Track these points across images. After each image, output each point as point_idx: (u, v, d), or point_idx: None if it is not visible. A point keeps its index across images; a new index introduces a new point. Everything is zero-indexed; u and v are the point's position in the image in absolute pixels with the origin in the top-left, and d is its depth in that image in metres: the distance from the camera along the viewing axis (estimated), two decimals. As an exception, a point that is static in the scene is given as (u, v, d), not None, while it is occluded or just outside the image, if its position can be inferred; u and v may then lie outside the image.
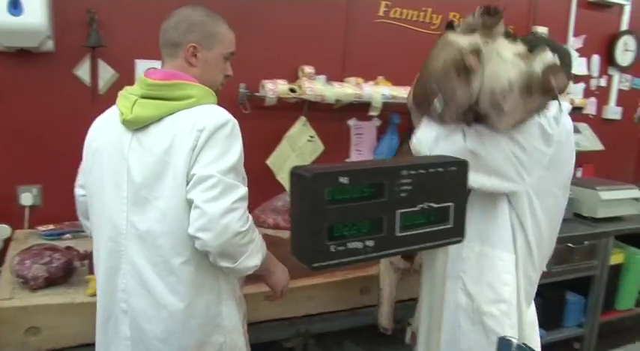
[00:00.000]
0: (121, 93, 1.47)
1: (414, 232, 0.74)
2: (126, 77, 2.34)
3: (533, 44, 1.40)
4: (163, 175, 1.34)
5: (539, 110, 1.35)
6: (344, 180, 0.66)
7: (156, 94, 1.38)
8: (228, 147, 1.33)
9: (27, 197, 2.28)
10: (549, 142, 1.47)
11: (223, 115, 1.37)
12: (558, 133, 1.47)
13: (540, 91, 1.25)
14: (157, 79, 1.39)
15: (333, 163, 0.70)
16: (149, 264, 1.38)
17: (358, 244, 0.69)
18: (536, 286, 1.74)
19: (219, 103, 1.46)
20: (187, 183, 1.31)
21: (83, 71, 2.29)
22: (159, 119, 1.37)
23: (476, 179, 1.36)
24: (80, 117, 2.29)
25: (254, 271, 1.39)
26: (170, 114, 1.36)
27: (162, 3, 2.33)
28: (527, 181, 1.48)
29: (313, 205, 0.64)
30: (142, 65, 2.34)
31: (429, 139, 1.46)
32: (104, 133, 1.50)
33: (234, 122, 1.38)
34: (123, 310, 1.43)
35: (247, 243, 1.33)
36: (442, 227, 0.77)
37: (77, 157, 2.32)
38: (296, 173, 0.65)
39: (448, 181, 0.76)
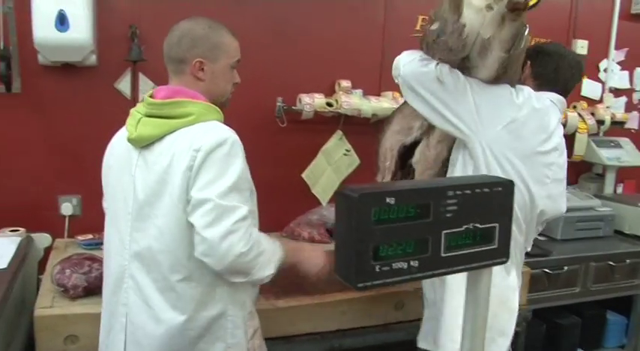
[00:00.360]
0: (131, 111, 1.49)
1: (459, 253, 0.73)
2: (165, 90, 2.38)
3: None
4: (162, 193, 1.34)
5: (514, 42, 1.53)
6: (391, 200, 0.65)
7: (157, 112, 1.39)
8: (226, 167, 1.32)
9: (67, 207, 2.34)
10: (513, 107, 1.63)
11: (222, 133, 1.35)
12: (523, 104, 1.65)
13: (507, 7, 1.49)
14: (160, 98, 1.40)
15: (377, 183, 0.70)
16: (150, 280, 1.38)
17: (403, 265, 0.68)
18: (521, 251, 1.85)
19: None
20: (186, 203, 1.31)
21: (124, 85, 2.35)
22: (161, 138, 1.37)
23: (436, 112, 1.62)
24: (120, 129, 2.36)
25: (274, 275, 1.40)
26: (171, 132, 1.36)
27: (200, 15, 2.39)
28: (481, 133, 1.61)
29: (359, 225, 0.64)
30: (181, 79, 2.38)
31: (407, 57, 1.70)
32: (116, 149, 1.53)
33: (233, 139, 1.35)
34: (122, 325, 1.43)
35: (254, 258, 1.32)
36: (487, 248, 0.75)
37: (117, 169, 2.38)
38: (342, 193, 0.65)
39: (494, 202, 0.75)
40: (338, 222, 0.67)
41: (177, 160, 1.32)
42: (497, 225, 0.75)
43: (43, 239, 2.27)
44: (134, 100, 2.36)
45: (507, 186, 0.75)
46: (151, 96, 1.44)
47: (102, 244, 2.21)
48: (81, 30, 2.11)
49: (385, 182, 0.68)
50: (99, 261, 1.85)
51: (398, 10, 2.77)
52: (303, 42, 2.59)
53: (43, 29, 2.07)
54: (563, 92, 1.88)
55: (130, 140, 1.42)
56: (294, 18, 2.56)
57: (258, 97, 2.45)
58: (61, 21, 2.09)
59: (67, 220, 2.35)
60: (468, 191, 0.71)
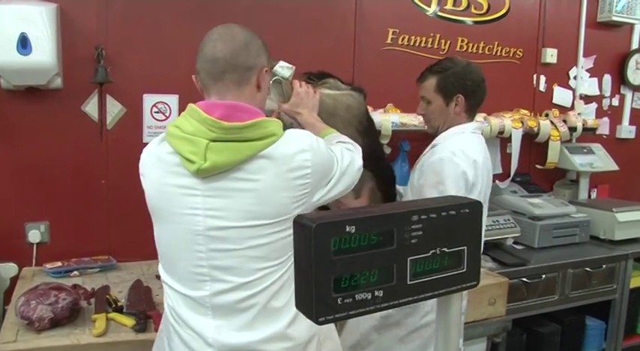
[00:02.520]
0: (174, 133, 1.26)
1: (426, 279, 0.70)
2: (134, 112, 2.35)
3: None
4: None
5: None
6: (351, 229, 0.62)
7: (233, 137, 1.22)
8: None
9: (35, 234, 2.27)
10: None
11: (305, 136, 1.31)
12: None
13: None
14: (219, 117, 1.22)
15: (338, 209, 0.67)
16: None
17: (367, 295, 0.65)
18: None
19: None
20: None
21: (91, 107, 2.30)
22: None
23: None
24: (88, 153, 2.32)
25: None
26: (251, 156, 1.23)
27: (168, 38, 2.36)
28: None
29: (318, 256, 0.61)
30: (149, 100, 2.35)
31: None
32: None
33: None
34: None
35: None
36: (456, 272, 0.73)
37: (84, 193, 2.34)
38: (299, 223, 0.62)
39: (461, 224, 0.72)
40: (296, 253, 0.64)
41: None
42: (465, 248, 0.72)
43: (8, 269, 2.20)
44: (101, 123, 2.31)
45: (474, 207, 0.73)
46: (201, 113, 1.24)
47: (71, 271, 2.18)
48: (44, 52, 2.06)
49: (345, 209, 0.65)
50: (66, 290, 1.79)
51: (368, 24, 2.77)
52: (274, 56, 2.56)
53: (4, 53, 2.02)
54: None
55: (199, 171, 1.21)
56: (264, 34, 2.53)
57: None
58: (23, 44, 2.04)
59: (34, 247, 2.28)
60: (434, 215, 0.69)
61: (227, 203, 1.24)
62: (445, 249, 0.71)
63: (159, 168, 1.30)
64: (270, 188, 1.23)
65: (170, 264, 1.36)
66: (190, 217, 1.26)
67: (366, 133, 1.85)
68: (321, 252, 0.61)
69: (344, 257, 0.62)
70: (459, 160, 1.79)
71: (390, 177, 2.10)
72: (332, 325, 1.47)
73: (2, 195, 2.24)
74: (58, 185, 2.30)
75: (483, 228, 1.98)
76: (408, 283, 0.68)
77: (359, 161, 1.45)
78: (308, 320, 0.64)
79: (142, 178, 1.37)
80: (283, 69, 1.73)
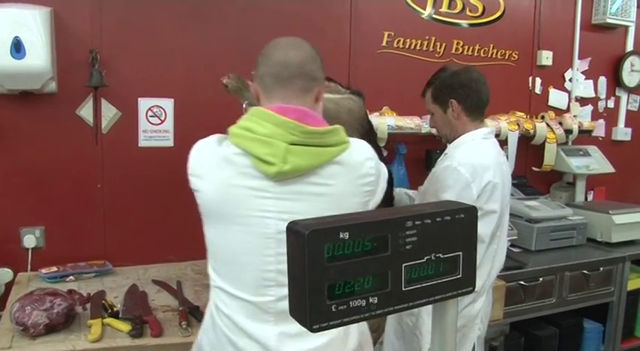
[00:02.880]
0: (244, 135, 1.25)
1: (421, 286, 0.70)
2: (129, 116, 2.34)
3: None
4: None
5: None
6: (344, 235, 0.62)
7: (313, 141, 1.24)
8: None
9: (30, 239, 2.26)
10: None
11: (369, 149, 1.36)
12: None
13: None
14: (294, 119, 1.23)
15: (331, 215, 0.66)
16: None
17: (361, 302, 0.64)
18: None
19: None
20: None
21: (86, 111, 2.29)
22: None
23: None
24: (84, 157, 2.31)
25: None
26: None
27: (163, 41, 2.36)
28: None
29: (312, 263, 0.60)
30: (144, 103, 2.35)
31: None
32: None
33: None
34: None
35: None
36: (451, 278, 0.72)
37: (80, 198, 2.32)
38: (291, 229, 0.62)
39: (456, 229, 0.72)
40: (289, 260, 0.63)
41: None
42: (460, 253, 0.72)
43: (3, 274, 2.19)
44: (97, 127, 2.30)
45: (470, 212, 0.73)
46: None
47: (66, 276, 2.17)
48: (38, 57, 2.05)
49: (339, 214, 0.65)
50: (61, 296, 1.77)
51: (363, 26, 2.77)
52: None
53: (-2, 57, 2.01)
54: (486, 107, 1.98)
55: (279, 173, 1.20)
56: (258, 37, 2.52)
57: (227, 117, 2.40)
58: (17, 48, 2.03)
59: (29, 252, 2.26)
60: (429, 220, 0.68)
61: (301, 207, 1.24)
62: (440, 255, 0.70)
63: (226, 169, 1.25)
64: (343, 193, 1.26)
65: (232, 269, 1.31)
66: (261, 219, 1.24)
67: (367, 136, 1.85)
68: (315, 259, 0.60)
69: (338, 264, 0.61)
70: (464, 168, 1.79)
71: (389, 180, 2.11)
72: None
73: (-3, 199, 2.23)
74: (54, 190, 2.29)
75: (505, 233, 1.98)
76: (403, 289, 0.67)
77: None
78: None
79: (195, 179, 1.30)
80: None
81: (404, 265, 0.67)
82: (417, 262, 0.68)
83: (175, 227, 2.38)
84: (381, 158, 2.04)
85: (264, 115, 1.24)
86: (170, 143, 2.41)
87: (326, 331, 1.21)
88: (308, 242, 0.59)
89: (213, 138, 1.32)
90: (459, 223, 0.71)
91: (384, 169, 1.40)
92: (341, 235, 0.61)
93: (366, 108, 1.94)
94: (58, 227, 2.30)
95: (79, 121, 2.29)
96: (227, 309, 1.31)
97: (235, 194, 1.25)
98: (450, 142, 1.96)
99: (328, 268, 0.61)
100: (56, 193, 2.29)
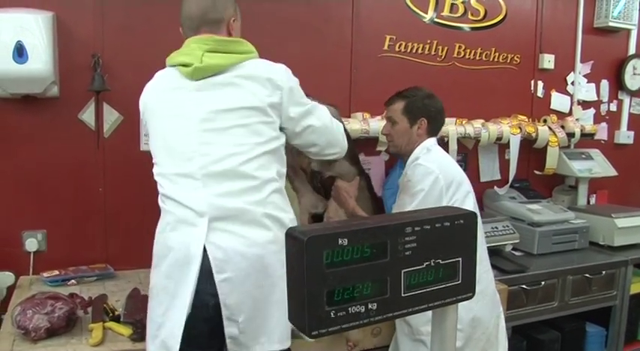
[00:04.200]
0: (171, 56, 1.65)
1: (420, 292, 0.70)
2: (131, 120, 2.33)
3: None
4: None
5: None
6: (343, 241, 0.62)
7: (222, 48, 1.56)
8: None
9: (32, 243, 2.26)
10: None
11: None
12: None
13: None
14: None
15: (330, 221, 0.66)
16: None
17: (360, 308, 0.64)
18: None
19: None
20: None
21: (88, 115, 2.29)
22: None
23: None
24: (85, 161, 2.31)
25: None
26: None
27: (164, 45, 2.35)
28: None
29: (311, 269, 0.60)
30: (146, 107, 2.34)
31: None
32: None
33: None
34: None
35: None
36: (451, 284, 0.72)
37: (82, 201, 2.33)
38: (291, 235, 0.62)
39: (455, 235, 0.72)
40: (288, 265, 0.63)
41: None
42: (460, 259, 0.72)
43: (5, 278, 2.19)
44: (98, 131, 2.30)
45: (469, 218, 0.73)
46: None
47: (68, 280, 2.17)
48: (41, 61, 2.06)
49: (338, 220, 0.64)
50: (63, 299, 1.78)
51: (365, 30, 2.77)
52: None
53: (0, 61, 2.01)
54: None
55: (196, 69, 1.53)
56: (260, 41, 2.53)
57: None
58: (19, 52, 2.04)
59: (31, 256, 2.27)
60: (428, 226, 0.68)
61: (213, 95, 1.54)
62: (440, 260, 0.70)
63: (160, 83, 1.68)
64: (247, 88, 1.55)
65: (166, 153, 1.61)
66: (185, 108, 1.59)
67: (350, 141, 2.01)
68: (314, 265, 0.60)
69: (337, 270, 0.61)
70: (429, 163, 2.00)
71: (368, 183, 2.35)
72: None
73: (-1, 203, 2.23)
74: (55, 193, 2.29)
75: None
76: (403, 295, 0.68)
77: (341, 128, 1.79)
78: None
79: (142, 104, 1.71)
80: None
81: (403, 271, 0.67)
82: (417, 268, 0.68)
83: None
84: (357, 160, 2.20)
85: (186, 42, 1.63)
86: (172, 147, 2.41)
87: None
88: (307, 248, 0.59)
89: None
90: (458, 228, 0.71)
91: (296, 83, 1.62)
92: (340, 242, 0.61)
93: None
94: (60, 231, 2.30)
95: (81, 125, 2.29)
96: (163, 189, 1.57)
97: (168, 96, 1.60)
98: (400, 153, 2.17)
99: (327, 274, 0.61)
100: (58, 196, 2.30)
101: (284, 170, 1.61)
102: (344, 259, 0.63)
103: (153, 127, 1.63)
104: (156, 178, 1.60)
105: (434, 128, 2.12)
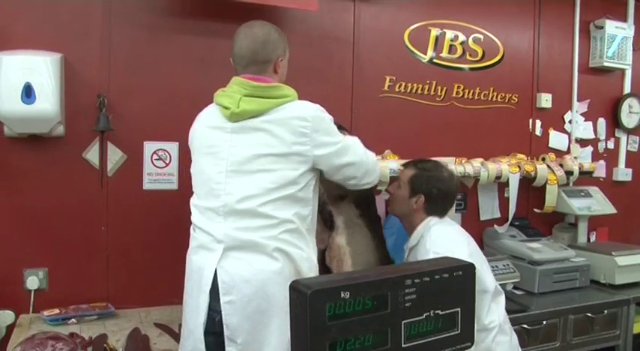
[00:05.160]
0: (218, 94, 1.78)
1: (420, 342, 0.71)
2: (134, 159, 2.37)
3: None
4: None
5: None
6: (345, 294, 0.64)
7: (260, 93, 1.69)
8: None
9: (33, 281, 2.26)
10: None
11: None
12: None
13: None
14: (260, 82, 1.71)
15: (333, 273, 0.68)
16: None
17: (362, 360, 0.65)
18: None
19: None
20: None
21: (92, 154, 2.33)
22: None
23: None
24: (89, 199, 2.34)
25: None
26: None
27: (169, 86, 2.41)
28: None
29: (314, 321, 0.62)
30: (150, 147, 2.39)
31: None
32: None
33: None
34: None
35: None
36: (450, 334, 0.74)
37: (84, 240, 2.34)
38: (295, 288, 0.63)
39: (454, 286, 0.73)
40: (292, 317, 0.65)
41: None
42: (459, 309, 0.73)
43: (5, 316, 2.19)
44: (102, 170, 2.33)
45: (467, 269, 0.74)
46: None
47: (68, 318, 2.16)
48: (48, 101, 2.10)
49: (340, 273, 0.66)
50: (63, 340, 1.78)
51: (365, 71, 2.83)
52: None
53: (9, 102, 2.06)
54: None
55: (233, 114, 1.67)
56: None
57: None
58: (27, 93, 2.08)
59: (32, 294, 2.26)
60: (427, 278, 0.70)
61: (246, 138, 1.68)
62: (439, 311, 0.72)
63: (204, 120, 1.81)
64: (279, 131, 1.66)
65: (200, 186, 1.79)
66: (220, 147, 1.74)
67: None
68: (317, 317, 0.62)
69: (339, 322, 0.63)
70: (435, 247, 1.97)
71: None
72: None
73: (1, 241, 2.24)
74: (58, 231, 2.31)
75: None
76: (403, 346, 0.69)
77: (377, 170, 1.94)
78: None
79: (190, 141, 1.86)
80: None
81: (403, 322, 0.68)
82: (417, 319, 0.69)
83: (178, 270, 2.35)
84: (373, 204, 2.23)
85: (232, 80, 1.75)
86: (174, 186, 2.44)
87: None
88: (310, 302, 0.61)
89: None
90: (457, 280, 0.73)
91: (324, 125, 1.72)
92: (342, 295, 0.63)
93: None
94: (61, 269, 2.31)
95: (85, 164, 2.32)
96: (193, 218, 1.75)
97: (209, 133, 1.74)
98: (398, 217, 2.22)
99: (330, 326, 0.62)
100: (61, 234, 2.31)
101: (306, 212, 1.70)
102: (346, 311, 0.64)
103: (195, 159, 1.81)
104: (191, 207, 1.77)
105: (433, 208, 2.10)
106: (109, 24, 2.34)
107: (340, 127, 1.85)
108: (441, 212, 2.12)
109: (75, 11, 2.29)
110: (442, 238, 2.03)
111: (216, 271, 1.62)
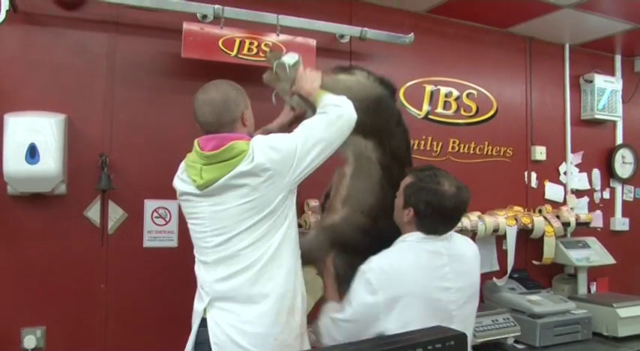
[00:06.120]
0: (188, 162, 1.84)
1: (415, 414, 0.72)
2: (135, 217, 2.40)
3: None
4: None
5: None
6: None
7: (215, 160, 1.74)
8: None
9: (30, 340, 2.24)
10: None
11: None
12: None
13: None
14: (216, 149, 1.73)
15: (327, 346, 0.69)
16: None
17: None
18: None
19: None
20: None
21: (93, 212, 2.35)
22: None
23: None
24: (89, 257, 2.35)
25: None
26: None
27: (169, 145, 2.46)
28: None
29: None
30: (150, 205, 2.42)
31: None
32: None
33: None
34: None
35: None
36: (445, 404, 0.75)
37: (83, 298, 2.34)
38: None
39: (447, 357, 0.75)
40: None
41: None
42: (452, 379, 0.75)
43: (2, 377, 2.17)
44: (103, 228, 2.36)
45: (460, 339, 0.76)
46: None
47: (65, 380, 2.14)
48: (51, 161, 2.14)
49: (335, 346, 0.66)
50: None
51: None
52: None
53: (13, 162, 2.11)
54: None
55: (199, 186, 1.74)
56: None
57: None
58: (32, 154, 2.13)
59: (29, 353, 2.25)
60: (420, 350, 0.72)
61: (218, 199, 1.76)
62: (433, 382, 0.73)
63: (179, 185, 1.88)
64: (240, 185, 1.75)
65: (196, 246, 1.91)
66: (198, 215, 1.86)
67: (370, 116, 2.01)
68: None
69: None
70: (369, 270, 1.76)
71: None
72: None
73: (0, 299, 2.24)
74: (57, 289, 2.30)
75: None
76: None
77: (347, 114, 1.85)
78: None
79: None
80: (288, 58, 2.11)
81: (398, 394, 0.70)
82: (411, 391, 0.71)
83: (178, 328, 2.35)
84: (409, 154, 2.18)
85: (194, 147, 1.81)
86: (174, 244, 2.46)
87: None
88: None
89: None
90: (449, 350, 0.75)
91: (271, 143, 1.75)
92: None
93: (387, 98, 2.15)
94: (59, 327, 2.29)
95: (86, 222, 2.35)
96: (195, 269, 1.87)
97: (186, 197, 1.84)
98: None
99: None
100: (60, 292, 2.31)
101: (279, 238, 1.76)
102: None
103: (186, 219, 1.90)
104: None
105: (423, 224, 1.84)
106: (112, 85, 2.41)
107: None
108: (429, 230, 1.84)
109: (80, 73, 2.37)
110: (381, 265, 1.77)
111: (205, 319, 1.80)
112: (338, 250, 2.06)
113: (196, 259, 1.87)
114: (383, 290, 1.70)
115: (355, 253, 1.93)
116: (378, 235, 1.98)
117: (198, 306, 1.83)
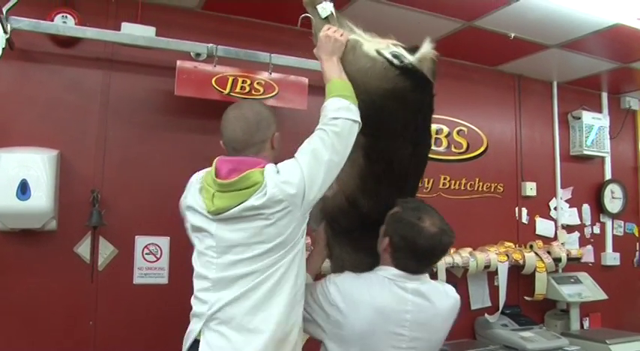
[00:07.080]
0: (203, 184, 1.72)
1: None
2: (125, 253, 2.39)
3: None
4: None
5: None
6: None
7: (229, 188, 1.64)
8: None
9: (16, 380, 2.20)
10: None
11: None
12: None
13: None
14: (231, 177, 1.62)
15: None
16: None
17: None
18: None
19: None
20: None
21: (83, 249, 2.34)
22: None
23: None
24: (78, 294, 2.33)
25: None
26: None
27: (160, 181, 2.46)
28: None
29: None
30: (141, 241, 2.42)
31: None
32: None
33: None
34: None
35: None
36: None
37: (71, 334, 2.31)
38: None
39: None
40: None
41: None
42: None
43: None
44: (93, 264, 2.34)
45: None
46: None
47: None
48: (42, 197, 2.14)
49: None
50: None
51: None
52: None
53: (4, 198, 2.10)
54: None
55: (209, 211, 1.65)
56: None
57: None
58: (23, 190, 2.12)
59: (15, 390, 2.20)
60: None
61: (227, 227, 1.65)
62: None
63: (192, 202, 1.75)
64: (252, 217, 1.64)
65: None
66: (208, 237, 1.72)
67: (385, 101, 1.79)
68: None
69: None
70: (333, 284, 1.74)
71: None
72: None
73: (-13, 337, 2.20)
74: (45, 326, 2.27)
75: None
76: None
77: (347, 127, 1.70)
78: None
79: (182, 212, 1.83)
80: (321, 9, 1.92)
81: None
82: None
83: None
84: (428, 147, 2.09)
85: (212, 169, 1.69)
86: (165, 280, 2.44)
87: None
88: None
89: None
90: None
91: (285, 176, 1.62)
92: None
93: (411, 87, 1.78)
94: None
95: (76, 258, 2.33)
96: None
97: (197, 217, 1.71)
98: None
99: None
100: (48, 329, 2.27)
101: (280, 264, 1.65)
102: None
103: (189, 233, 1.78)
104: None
105: (395, 257, 1.73)
106: (105, 121, 2.43)
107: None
108: (400, 265, 1.73)
109: (73, 110, 2.38)
110: (346, 287, 1.72)
111: (198, 339, 1.70)
112: (326, 222, 2.02)
113: (195, 272, 1.73)
114: (338, 309, 1.70)
115: (338, 231, 1.97)
116: (358, 218, 1.90)
117: (194, 326, 1.70)
